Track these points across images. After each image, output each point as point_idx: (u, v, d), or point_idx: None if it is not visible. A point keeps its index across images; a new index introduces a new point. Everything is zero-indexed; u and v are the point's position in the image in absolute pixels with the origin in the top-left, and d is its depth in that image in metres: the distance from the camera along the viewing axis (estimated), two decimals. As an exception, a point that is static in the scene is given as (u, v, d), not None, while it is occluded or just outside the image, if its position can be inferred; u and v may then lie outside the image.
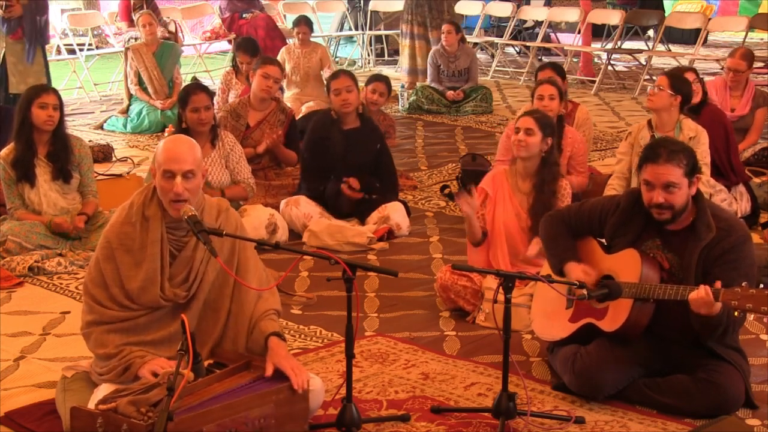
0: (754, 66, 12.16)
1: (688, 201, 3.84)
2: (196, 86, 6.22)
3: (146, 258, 3.51)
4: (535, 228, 4.84)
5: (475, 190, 4.93)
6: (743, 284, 3.50)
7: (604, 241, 4.10)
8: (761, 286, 3.49)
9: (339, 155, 6.17)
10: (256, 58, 7.64)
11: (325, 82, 9.57)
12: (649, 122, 5.99)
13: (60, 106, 5.67)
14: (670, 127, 5.83)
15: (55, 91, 5.73)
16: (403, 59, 11.62)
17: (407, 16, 11.53)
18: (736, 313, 3.59)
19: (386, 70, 12.75)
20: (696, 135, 5.82)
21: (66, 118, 5.95)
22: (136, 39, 10.72)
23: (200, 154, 3.58)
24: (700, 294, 3.57)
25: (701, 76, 6.74)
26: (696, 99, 6.44)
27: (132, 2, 11.63)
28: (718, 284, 3.58)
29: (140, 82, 9.29)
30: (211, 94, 5.96)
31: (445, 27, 10.33)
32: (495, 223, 4.94)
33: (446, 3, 11.59)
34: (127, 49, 9.54)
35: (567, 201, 4.91)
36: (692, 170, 3.83)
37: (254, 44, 8.84)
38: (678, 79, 5.92)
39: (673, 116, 5.88)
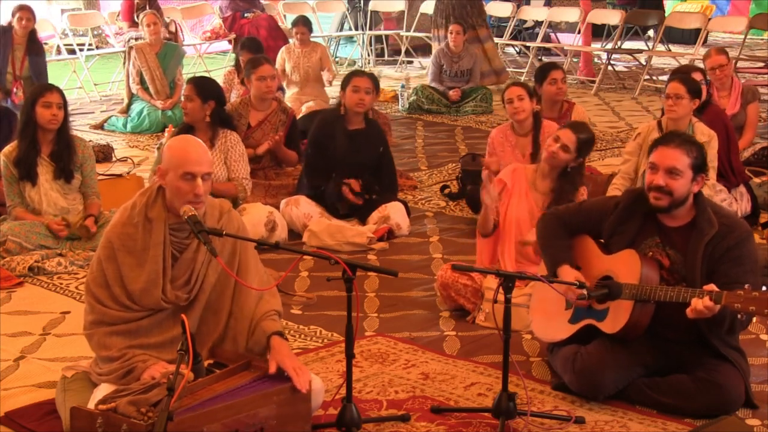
0: (755, 66, 12.18)
1: (688, 196, 3.84)
2: (190, 78, 6.24)
3: (148, 260, 3.51)
4: None
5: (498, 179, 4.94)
6: (746, 287, 3.50)
7: (602, 241, 4.10)
8: (764, 288, 3.49)
9: (341, 155, 6.17)
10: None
11: (326, 81, 9.62)
12: (659, 123, 5.96)
13: (64, 104, 5.67)
14: (683, 130, 5.79)
15: (59, 90, 5.72)
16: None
17: (440, 20, 11.55)
18: (739, 316, 3.60)
19: (386, 70, 12.75)
20: (708, 140, 5.79)
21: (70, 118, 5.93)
22: (136, 39, 10.72)
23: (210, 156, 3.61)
24: (698, 308, 3.57)
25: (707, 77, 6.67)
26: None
27: (135, 2, 11.63)
28: (713, 287, 3.58)
29: (142, 82, 9.29)
30: (203, 88, 5.90)
31: (453, 27, 10.32)
32: (507, 215, 4.94)
33: (478, 3, 11.65)
34: (130, 48, 9.54)
35: None
36: (699, 167, 3.84)
37: (258, 44, 8.82)
38: (691, 83, 5.87)
39: (686, 120, 5.85)
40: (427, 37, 12.82)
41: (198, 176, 3.47)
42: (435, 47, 11.52)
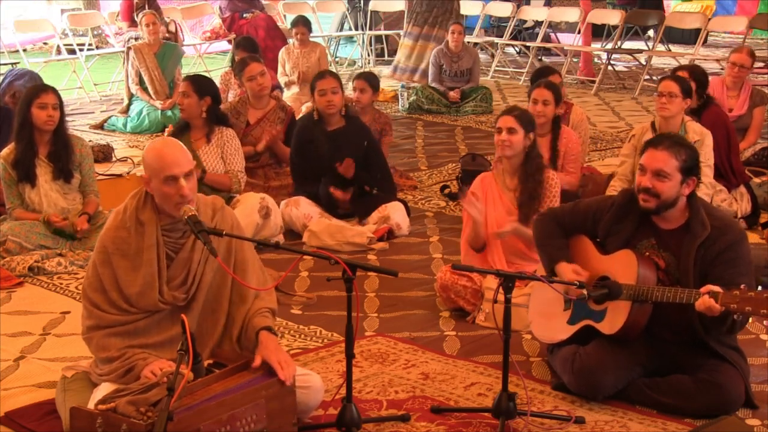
0: (755, 66, 12.19)
1: (677, 198, 3.84)
2: (186, 76, 6.26)
3: (143, 263, 3.50)
4: (524, 219, 4.84)
5: (471, 193, 4.94)
6: (742, 287, 3.50)
7: (599, 240, 4.09)
8: (759, 288, 3.48)
9: (325, 156, 6.16)
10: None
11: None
12: (653, 124, 5.97)
13: (60, 105, 5.65)
14: (675, 130, 5.79)
15: (55, 91, 5.71)
16: (402, 58, 11.64)
17: (411, 16, 11.57)
18: (735, 316, 3.59)
19: (386, 70, 12.74)
20: (701, 138, 5.80)
21: (66, 118, 5.92)
22: (136, 39, 10.72)
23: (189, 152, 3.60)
24: (705, 304, 3.57)
25: (700, 77, 6.63)
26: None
27: (135, 2, 11.63)
28: (710, 287, 3.58)
29: (141, 82, 9.29)
30: (199, 84, 5.94)
31: (455, 27, 10.31)
32: (488, 224, 4.95)
33: (454, 2, 11.63)
34: (128, 48, 9.54)
35: (555, 192, 4.93)
36: (689, 170, 3.83)
37: (253, 43, 8.86)
38: (684, 82, 5.89)
39: (678, 119, 5.86)
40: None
41: (180, 177, 3.45)
42: (406, 44, 11.51)
